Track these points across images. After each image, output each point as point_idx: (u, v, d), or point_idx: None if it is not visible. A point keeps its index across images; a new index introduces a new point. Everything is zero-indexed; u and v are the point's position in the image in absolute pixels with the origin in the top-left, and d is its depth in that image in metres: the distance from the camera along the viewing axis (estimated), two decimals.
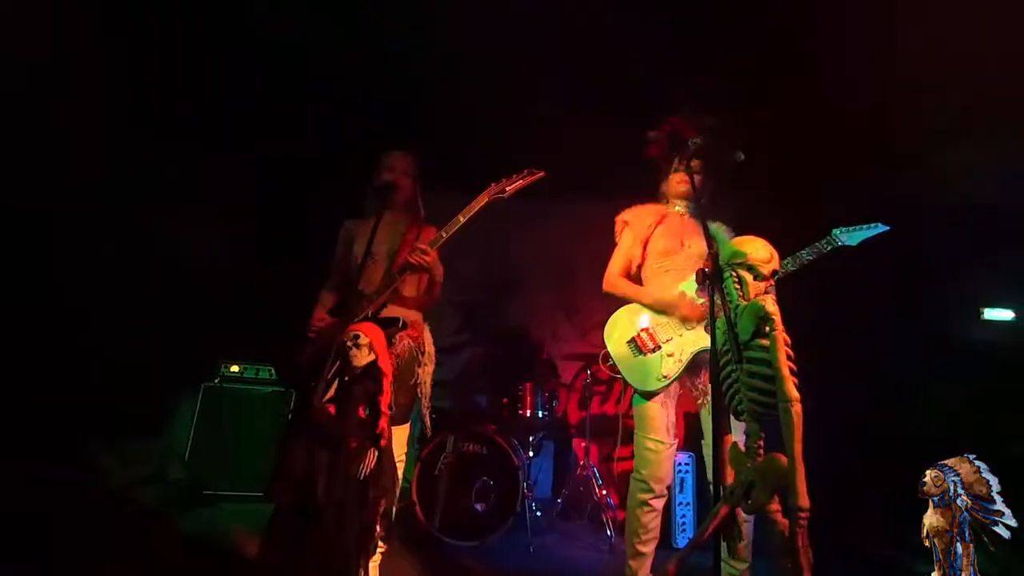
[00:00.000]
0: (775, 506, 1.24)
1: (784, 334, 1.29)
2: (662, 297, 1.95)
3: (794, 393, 1.22)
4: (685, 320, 1.90)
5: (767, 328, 1.30)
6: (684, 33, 2.86)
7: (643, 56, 2.99)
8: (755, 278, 1.44)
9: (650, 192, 2.24)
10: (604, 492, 3.12)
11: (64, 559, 1.96)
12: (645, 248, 2.04)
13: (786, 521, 1.20)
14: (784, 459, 1.21)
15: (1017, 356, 3.01)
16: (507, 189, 1.94)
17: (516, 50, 2.93)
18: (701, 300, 1.91)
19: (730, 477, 1.37)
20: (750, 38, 2.84)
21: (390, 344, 1.72)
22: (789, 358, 1.27)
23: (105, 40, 2.71)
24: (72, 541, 2.11)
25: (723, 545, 1.37)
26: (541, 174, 1.98)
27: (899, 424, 3.10)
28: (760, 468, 1.26)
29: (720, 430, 1.40)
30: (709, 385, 1.92)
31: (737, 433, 1.52)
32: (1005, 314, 3.27)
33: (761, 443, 1.33)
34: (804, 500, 1.15)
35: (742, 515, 1.38)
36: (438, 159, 2.56)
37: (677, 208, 2.09)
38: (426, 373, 2.02)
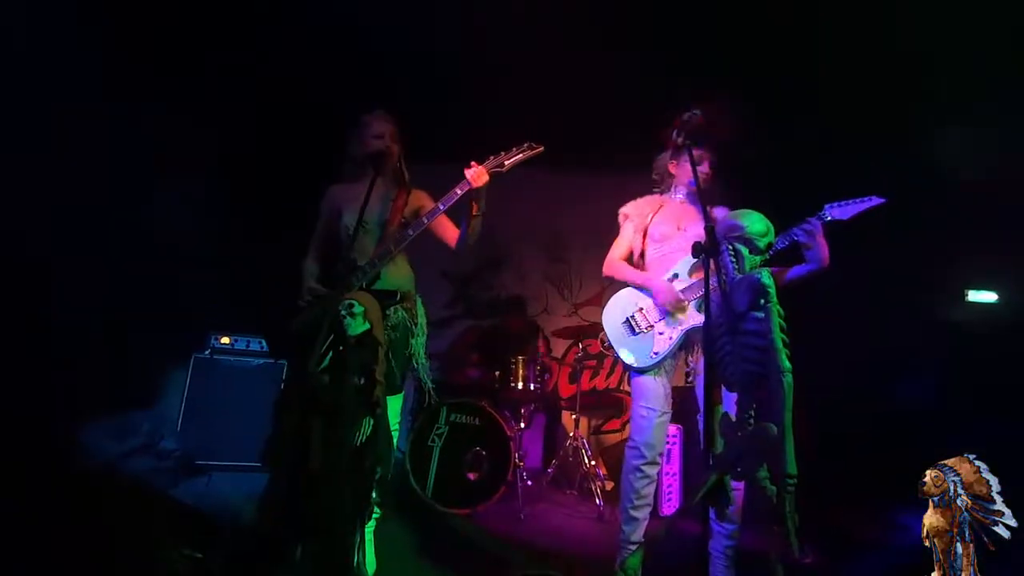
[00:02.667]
0: (764, 473, 1.27)
1: (779, 306, 1.30)
2: (648, 282, 2.01)
3: (786, 364, 1.24)
4: (662, 306, 1.95)
5: (762, 300, 1.31)
6: (683, 11, 2.82)
7: (639, 31, 2.94)
8: (751, 251, 1.44)
9: (641, 168, 2.25)
10: (593, 463, 3.19)
11: (57, 533, 1.95)
12: (645, 237, 2.10)
13: (774, 488, 1.24)
14: (774, 428, 1.23)
15: (999, 337, 3.10)
16: (505, 163, 1.91)
17: (512, 19, 2.85)
18: (684, 285, 1.93)
19: (721, 447, 1.40)
20: (748, 18, 2.81)
21: (386, 316, 1.71)
22: (782, 330, 1.28)
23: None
24: (64, 515, 2.11)
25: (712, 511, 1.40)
26: (540, 149, 1.97)
27: (882, 402, 3.18)
28: (750, 436, 1.29)
29: (712, 401, 1.43)
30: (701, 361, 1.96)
31: (728, 404, 1.55)
32: (988, 296, 3.35)
33: (752, 414, 1.35)
34: (792, 467, 1.18)
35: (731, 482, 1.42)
36: (430, 128, 2.50)
37: (678, 197, 2.12)
38: (419, 344, 2.02)
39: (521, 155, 1.95)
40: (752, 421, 1.33)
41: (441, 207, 1.90)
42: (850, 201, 1.79)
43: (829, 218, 1.79)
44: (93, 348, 2.96)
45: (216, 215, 3.37)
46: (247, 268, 3.37)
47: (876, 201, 1.77)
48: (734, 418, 1.38)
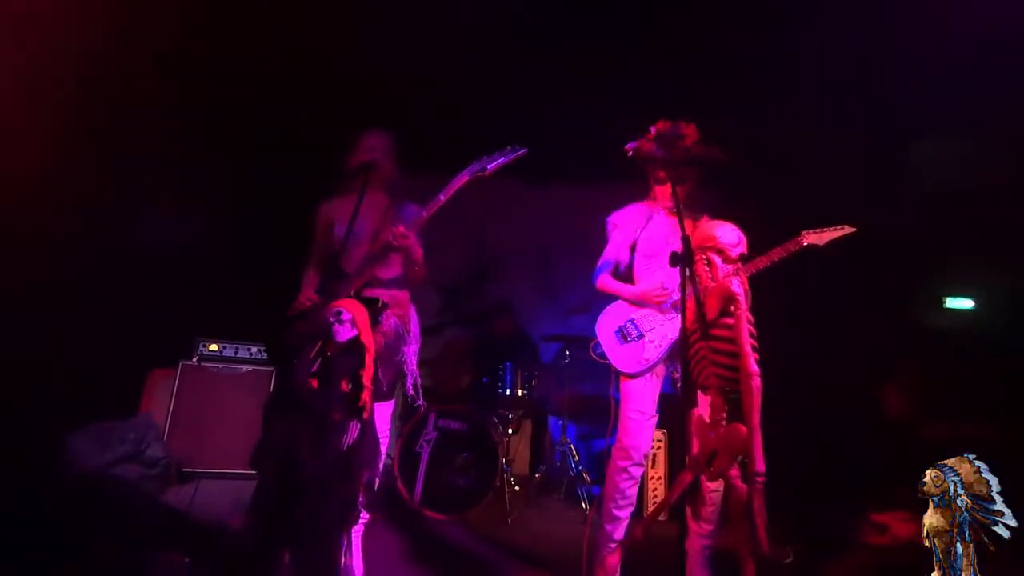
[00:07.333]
0: (735, 472, 1.33)
1: (748, 313, 1.37)
2: (639, 292, 2.08)
3: (754, 368, 1.30)
4: (658, 307, 2.01)
5: (732, 308, 1.38)
6: (668, 30, 2.91)
7: (627, 45, 3.03)
8: (723, 261, 1.51)
9: (628, 179, 2.30)
10: (581, 468, 3.23)
11: (43, 543, 1.95)
12: (633, 250, 2.15)
13: (745, 486, 1.30)
14: (744, 429, 1.29)
15: (976, 342, 3.21)
16: (488, 167, 1.95)
17: (499, 33, 2.94)
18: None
19: (695, 447, 1.46)
20: (730, 42, 2.92)
21: (376, 322, 1.75)
22: (752, 335, 1.35)
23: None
24: (49, 523, 2.10)
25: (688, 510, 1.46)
26: (523, 151, 2.00)
27: (863, 407, 3.27)
28: (722, 437, 1.35)
29: (687, 403, 1.49)
30: None
31: (702, 407, 1.61)
32: (965, 303, 3.47)
33: (724, 415, 1.42)
34: (761, 465, 1.24)
35: (709, 483, 1.48)
36: (420, 141, 2.56)
37: (664, 208, 2.18)
38: (411, 351, 2.06)
39: (504, 158, 1.97)
40: (724, 423, 1.39)
41: (425, 215, 1.92)
42: (825, 229, 1.88)
43: (805, 244, 1.87)
44: (78, 355, 2.96)
45: (205, 220, 3.39)
46: (237, 275, 3.40)
47: (848, 230, 1.85)
48: (708, 420, 1.44)
